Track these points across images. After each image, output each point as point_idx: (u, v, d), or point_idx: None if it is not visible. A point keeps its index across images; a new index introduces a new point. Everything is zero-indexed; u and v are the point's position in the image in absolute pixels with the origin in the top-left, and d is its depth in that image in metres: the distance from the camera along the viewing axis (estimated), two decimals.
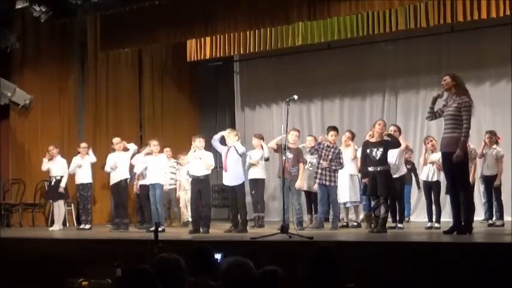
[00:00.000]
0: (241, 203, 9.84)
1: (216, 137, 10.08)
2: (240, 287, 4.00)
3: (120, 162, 10.87)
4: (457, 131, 7.70)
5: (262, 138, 10.89)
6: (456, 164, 7.69)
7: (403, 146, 9.44)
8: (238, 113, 14.85)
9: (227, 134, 10.04)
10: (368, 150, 8.80)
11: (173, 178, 11.80)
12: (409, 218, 11.23)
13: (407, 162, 10.36)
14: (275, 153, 10.32)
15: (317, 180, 9.88)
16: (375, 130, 8.90)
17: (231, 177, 9.83)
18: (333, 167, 9.80)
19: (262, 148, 10.69)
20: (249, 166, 10.62)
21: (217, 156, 10.74)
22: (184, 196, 11.63)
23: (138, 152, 11.13)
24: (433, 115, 8.03)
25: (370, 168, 8.74)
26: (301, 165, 9.92)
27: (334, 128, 10.16)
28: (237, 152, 9.86)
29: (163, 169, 10.71)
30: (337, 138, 10.07)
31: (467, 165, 8.13)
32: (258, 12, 10.77)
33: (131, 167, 11.14)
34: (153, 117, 14.34)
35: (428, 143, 9.63)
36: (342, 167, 9.91)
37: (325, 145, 9.89)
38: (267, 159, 10.79)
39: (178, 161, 11.73)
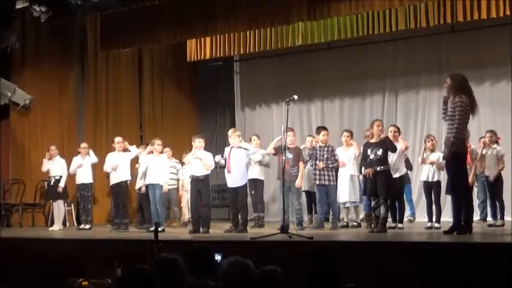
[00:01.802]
0: (243, 203, 9.85)
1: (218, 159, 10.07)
2: (240, 287, 4.00)
3: (121, 163, 10.87)
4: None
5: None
6: (455, 164, 7.69)
7: (402, 146, 9.43)
8: (238, 113, 14.84)
9: (230, 134, 10.02)
10: (368, 151, 8.81)
11: (173, 178, 11.78)
12: (414, 218, 11.11)
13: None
14: (274, 156, 10.28)
15: (316, 182, 9.90)
16: (373, 131, 8.91)
17: (235, 179, 9.80)
18: (330, 165, 9.82)
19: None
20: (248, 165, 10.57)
21: None
22: (187, 196, 11.62)
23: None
24: (447, 115, 8.01)
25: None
26: (301, 164, 9.92)
27: (324, 128, 10.21)
28: (248, 153, 9.89)
29: (164, 169, 10.69)
30: (328, 138, 10.08)
31: (464, 165, 8.09)
32: (258, 12, 10.78)
33: (131, 168, 11.17)
34: (153, 117, 14.34)
35: (428, 142, 9.62)
36: (338, 164, 9.93)
37: (318, 146, 9.93)
38: (267, 165, 10.80)
39: (182, 160, 11.68)
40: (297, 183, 9.82)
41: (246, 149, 9.96)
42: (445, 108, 7.99)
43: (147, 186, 10.67)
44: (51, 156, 11.48)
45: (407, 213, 10.60)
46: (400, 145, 9.37)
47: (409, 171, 10.42)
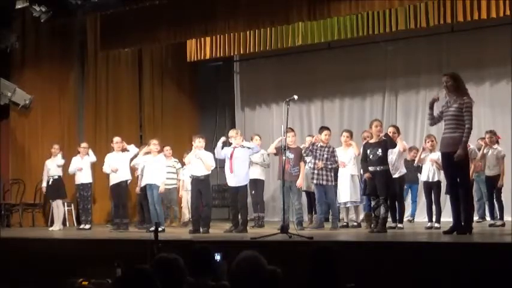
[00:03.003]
0: (243, 203, 9.84)
1: (218, 148, 9.97)
2: (250, 283, 3.96)
3: (120, 163, 10.86)
4: (458, 131, 7.68)
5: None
6: (457, 164, 7.68)
7: (401, 148, 9.40)
8: (238, 113, 14.85)
9: (234, 134, 9.99)
10: (368, 151, 8.81)
11: (172, 178, 11.77)
12: (413, 218, 11.16)
13: (414, 161, 10.34)
14: (276, 155, 10.27)
15: (314, 181, 9.90)
16: (372, 131, 8.91)
17: (237, 178, 9.79)
18: (329, 166, 9.82)
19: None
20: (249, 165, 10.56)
21: None
22: (187, 196, 11.62)
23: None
24: (434, 119, 7.99)
25: (370, 168, 8.73)
26: (301, 164, 9.92)
27: (327, 128, 10.20)
28: (251, 151, 9.91)
29: (161, 169, 10.65)
30: (330, 138, 10.08)
31: (468, 165, 8.12)
32: (258, 12, 10.78)
33: (131, 168, 11.16)
34: (153, 117, 14.34)
35: (428, 142, 9.61)
36: (338, 165, 9.92)
37: (319, 145, 9.92)
38: (268, 165, 10.82)
39: (183, 160, 11.66)
40: (299, 182, 9.82)
41: (249, 147, 9.93)
42: (431, 113, 7.90)
43: (144, 186, 10.65)
44: (51, 154, 11.47)
45: (407, 213, 10.61)
46: (398, 146, 9.35)
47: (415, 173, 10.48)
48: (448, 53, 12.36)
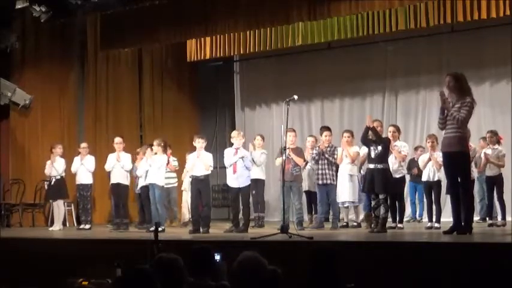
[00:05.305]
0: (245, 203, 9.86)
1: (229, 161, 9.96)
2: (250, 283, 3.97)
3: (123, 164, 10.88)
4: (460, 131, 7.68)
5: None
6: (458, 164, 7.67)
7: (398, 158, 9.39)
8: (238, 113, 14.85)
9: (236, 135, 10.00)
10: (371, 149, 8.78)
11: (172, 177, 11.75)
12: (421, 218, 11.06)
13: (413, 161, 10.34)
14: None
15: (319, 182, 9.93)
16: None
17: (241, 179, 9.82)
18: (331, 160, 9.86)
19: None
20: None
21: (217, 156, 10.73)
22: (186, 195, 11.61)
23: (135, 153, 11.27)
24: (445, 124, 7.90)
25: (370, 166, 8.73)
26: (301, 160, 9.93)
27: (327, 128, 10.23)
28: (254, 162, 9.95)
29: (163, 169, 10.65)
30: (331, 138, 10.08)
31: (469, 165, 8.11)
32: (258, 12, 10.79)
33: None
34: (153, 117, 14.34)
35: (428, 142, 9.59)
36: (336, 161, 9.95)
37: (320, 146, 10.02)
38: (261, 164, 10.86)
39: (186, 159, 11.64)
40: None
41: (253, 159, 9.99)
42: (442, 117, 7.85)
43: (145, 186, 10.64)
44: (53, 154, 11.43)
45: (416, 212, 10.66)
46: (394, 154, 9.31)
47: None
48: (448, 53, 12.36)
